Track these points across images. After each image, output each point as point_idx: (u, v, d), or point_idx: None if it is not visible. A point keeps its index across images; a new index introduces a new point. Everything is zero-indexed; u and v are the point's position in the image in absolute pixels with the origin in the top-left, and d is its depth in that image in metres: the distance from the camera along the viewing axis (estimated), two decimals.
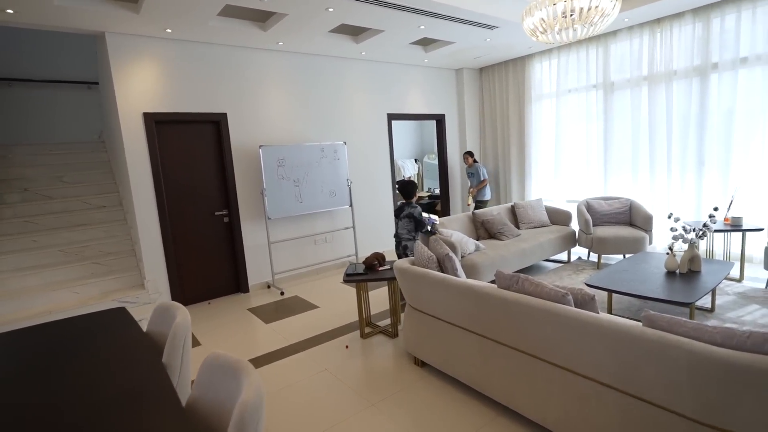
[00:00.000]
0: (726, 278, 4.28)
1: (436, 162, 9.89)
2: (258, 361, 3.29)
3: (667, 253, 3.46)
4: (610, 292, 3.23)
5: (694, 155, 5.00)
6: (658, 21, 5.07)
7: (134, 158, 4.32)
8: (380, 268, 3.60)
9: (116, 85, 4.16)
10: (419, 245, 3.08)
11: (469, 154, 6.50)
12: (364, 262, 3.65)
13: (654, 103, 5.24)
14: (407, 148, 11.14)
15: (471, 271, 4.13)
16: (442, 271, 2.91)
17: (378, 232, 6.30)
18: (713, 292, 3.47)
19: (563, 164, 6.28)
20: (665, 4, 4.58)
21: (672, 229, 3.42)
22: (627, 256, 5.02)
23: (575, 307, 2.05)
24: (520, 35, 5.32)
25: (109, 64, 4.14)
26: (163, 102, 4.44)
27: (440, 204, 7.44)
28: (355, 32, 5.10)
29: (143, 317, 4.10)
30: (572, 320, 1.91)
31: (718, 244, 4.92)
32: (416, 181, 10.66)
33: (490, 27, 4.89)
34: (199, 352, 3.54)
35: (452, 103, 7.13)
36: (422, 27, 4.69)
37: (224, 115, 4.83)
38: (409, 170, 10.92)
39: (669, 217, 3.42)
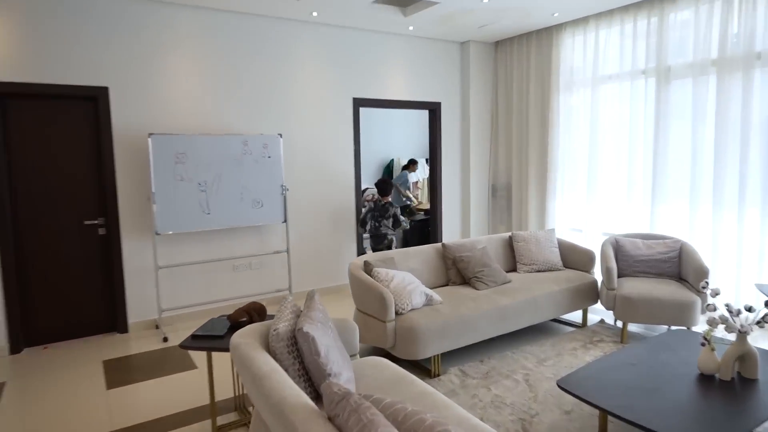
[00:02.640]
0: None
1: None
2: None
3: (702, 344, 2.56)
4: (590, 404, 2.38)
5: None
6: None
7: None
8: None
9: None
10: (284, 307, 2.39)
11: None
12: (229, 318, 2.97)
13: (724, 100, 4.27)
14: (417, 144, 10.34)
15: (406, 340, 3.33)
16: (300, 357, 2.18)
17: (327, 260, 5.59)
18: None
19: (599, 182, 5.36)
20: None
21: (709, 307, 2.51)
22: (673, 327, 4.08)
23: None
24: None
25: None
26: (12, 68, 3.95)
27: (429, 225, 6.63)
28: None
29: None
30: None
31: None
32: (426, 189, 9.92)
33: None
34: None
35: (453, 88, 6.36)
36: None
37: (105, 89, 4.30)
38: (416, 173, 10.16)
39: (703, 288, 2.52)
